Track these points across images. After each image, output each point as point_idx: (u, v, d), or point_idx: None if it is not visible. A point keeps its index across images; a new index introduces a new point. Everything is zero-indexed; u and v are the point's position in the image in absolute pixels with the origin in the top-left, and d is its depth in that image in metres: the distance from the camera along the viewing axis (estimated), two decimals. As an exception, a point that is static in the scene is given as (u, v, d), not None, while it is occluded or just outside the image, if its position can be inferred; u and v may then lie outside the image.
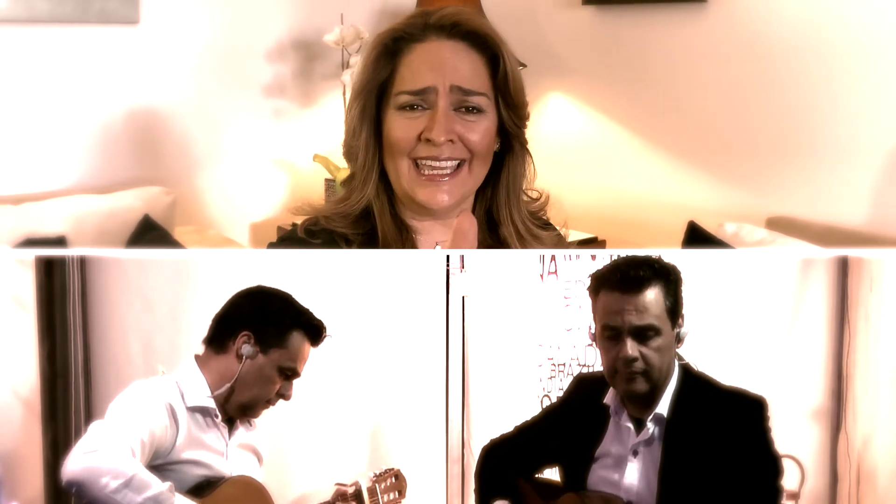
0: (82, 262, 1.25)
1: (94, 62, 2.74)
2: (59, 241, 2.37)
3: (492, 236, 1.26)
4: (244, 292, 1.13)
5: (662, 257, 1.08)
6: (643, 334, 1.04)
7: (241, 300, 1.12)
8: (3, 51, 2.58)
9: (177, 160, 2.96)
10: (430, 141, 1.16)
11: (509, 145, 1.25)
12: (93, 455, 0.98)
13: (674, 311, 1.06)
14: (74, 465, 0.97)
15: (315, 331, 1.13)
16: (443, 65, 1.18)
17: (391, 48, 1.21)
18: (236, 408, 1.13)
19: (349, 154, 1.26)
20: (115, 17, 2.73)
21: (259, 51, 3.07)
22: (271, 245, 1.34)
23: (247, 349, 1.10)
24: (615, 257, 1.09)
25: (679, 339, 1.07)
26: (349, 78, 2.84)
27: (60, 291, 1.24)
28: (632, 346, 1.04)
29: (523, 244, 1.25)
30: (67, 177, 2.75)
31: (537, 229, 1.28)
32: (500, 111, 1.21)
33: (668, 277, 1.06)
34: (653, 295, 1.05)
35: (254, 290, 1.13)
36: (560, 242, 1.32)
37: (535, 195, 1.31)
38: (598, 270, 1.09)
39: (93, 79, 2.74)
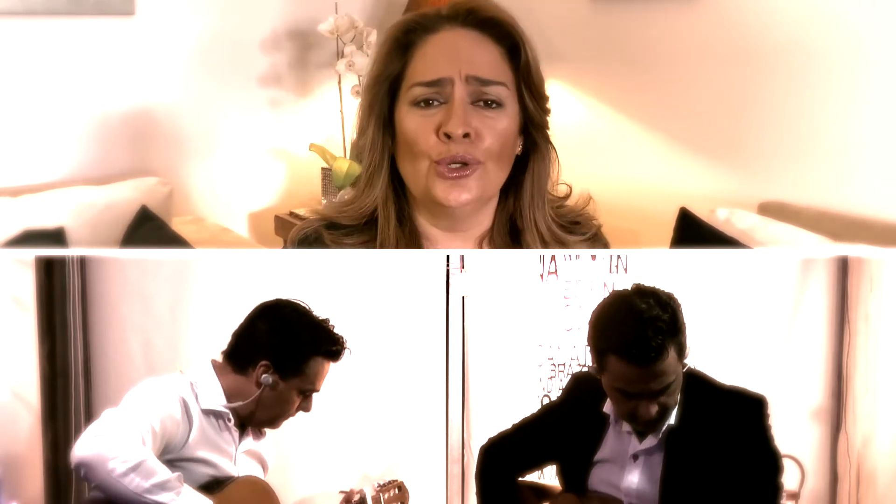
0: (82, 262, 1.25)
1: (89, 54, 2.74)
2: (58, 233, 2.37)
3: (514, 244, 1.23)
4: (262, 308, 1.12)
5: (658, 293, 1.01)
6: (662, 392, 1.02)
7: (259, 319, 1.12)
8: (-2, 43, 2.59)
9: (173, 151, 2.97)
10: (448, 136, 1.09)
11: (534, 143, 1.20)
12: (102, 439, 0.99)
13: (682, 352, 1.02)
14: (83, 448, 0.98)
15: (334, 353, 1.13)
16: (458, 54, 1.12)
17: (402, 41, 1.15)
18: (257, 423, 1.15)
19: (357, 154, 1.21)
20: (111, 8, 2.73)
21: (254, 41, 3.08)
22: None
23: (266, 379, 1.11)
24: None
25: (683, 359, 1.04)
26: (344, 67, 2.85)
27: (60, 291, 1.24)
28: (652, 405, 1.02)
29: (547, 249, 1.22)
30: (65, 169, 2.75)
31: (564, 234, 1.23)
32: (525, 102, 1.16)
33: (677, 328, 1.00)
34: (669, 357, 0.99)
35: (271, 305, 1.12)
36: (594, 246, 1.28)
37: (562, 191, 1.26)
38: (600, 330, 1.02)
39: (89, 70, 2.75)
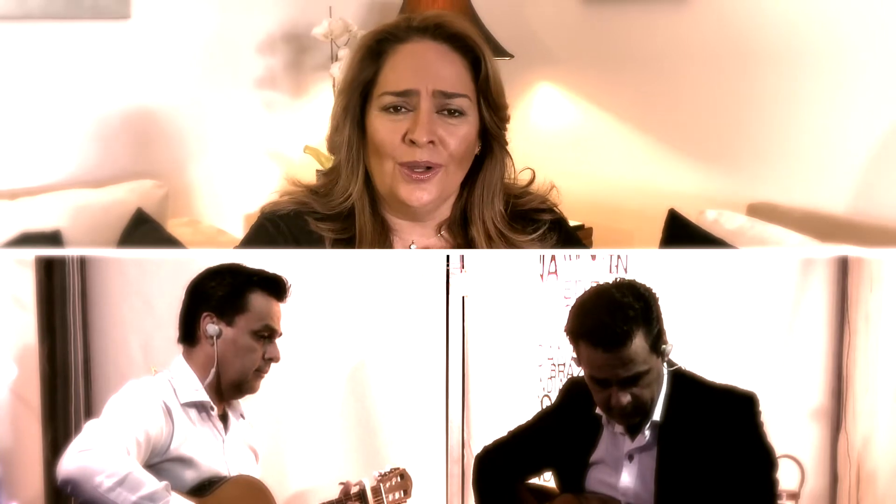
0: (82, 262, 1.25)
1: (86, 57, 2.75)
2: (55, 236, 2.38)
3: (463, 235, 1.29)
4: (193, 281, 1.13)
5: (635, 285, 1.04)
6: (632, 381, 1.03)
7: (192, 289, 1.12)
8: (-4, 47, 2.59)
9: (169, 153, 2.97)
10: (413, 142, 1.19)
11: (489, 147, 1.28)
12: (87, 454, 0.98)
13: (657, 343, 1.04)
14: (69, 463, 0.98)
15: (274, 285, 1.13)
16: (426, 67, 1.22)
17: (375, 49, 1.26)
18: (230, 388, 1.13)
19: (332, 148, 1.32)
20: (107, 12, 2.73)
21: (250, 44, 3.08)
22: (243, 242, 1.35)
23: (211, 328, 1.10)
24: (599, 282, 1.07)
25: (664, 356, 1.06)
26: (338, 70, 2.87)
27: (60, 291, 1.24)
28: (623, 394, 1.04)
29: (491, 246, 1.28)
30: (61, 172, 2.75)
31: (512, 234, 1.30)
32: (482, 112, 1.25)
33: (648, 318, 1.03)
34: (637, 344, 1.02)
35: (201, 274, 1.13)
36: (543, 245, 1.31)
37: (525, 178, 1.33)
38: (574, 317, 1.05)
39: (85, 74, 2.75)
